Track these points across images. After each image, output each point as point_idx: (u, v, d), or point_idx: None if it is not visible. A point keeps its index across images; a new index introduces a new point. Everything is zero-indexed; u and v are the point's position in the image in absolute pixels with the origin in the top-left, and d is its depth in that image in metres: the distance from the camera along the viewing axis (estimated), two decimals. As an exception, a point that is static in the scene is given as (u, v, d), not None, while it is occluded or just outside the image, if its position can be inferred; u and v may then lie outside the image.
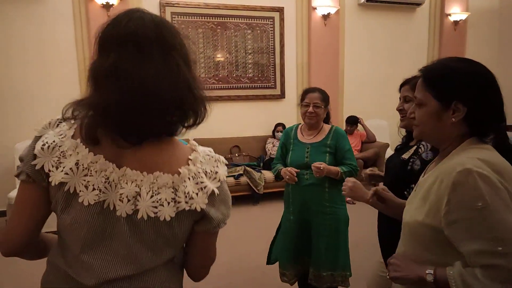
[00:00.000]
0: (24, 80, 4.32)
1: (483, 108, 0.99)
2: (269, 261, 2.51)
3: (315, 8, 5.26)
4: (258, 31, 5.20)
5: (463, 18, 5.88)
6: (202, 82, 0.91)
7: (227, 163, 0.95)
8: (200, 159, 0.88)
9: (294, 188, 2.26)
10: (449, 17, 5.88)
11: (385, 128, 5.74)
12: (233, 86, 5.17)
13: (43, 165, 0.82)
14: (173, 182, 0.84)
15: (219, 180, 0.90)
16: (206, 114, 0.91)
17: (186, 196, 0.84)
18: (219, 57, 5.08)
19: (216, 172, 0.90)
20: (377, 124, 5.65)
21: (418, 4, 5.75)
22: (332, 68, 5.48)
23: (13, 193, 3.78)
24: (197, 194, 0.85)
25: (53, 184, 0.82)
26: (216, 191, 0.88)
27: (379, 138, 5.36)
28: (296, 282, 2.42)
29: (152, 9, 4.69)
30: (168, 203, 0.83)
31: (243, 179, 4.62)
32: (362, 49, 5.71)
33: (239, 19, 5.10)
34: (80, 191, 0.81)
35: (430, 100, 1.03)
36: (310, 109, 2.19)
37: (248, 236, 3.75)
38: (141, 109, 0.79)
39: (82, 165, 0.81)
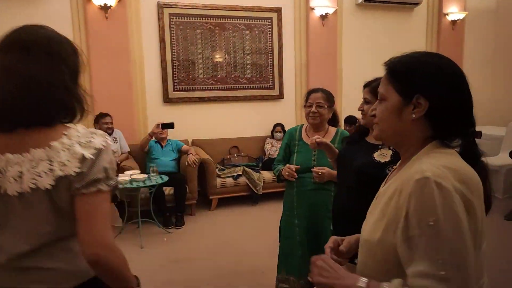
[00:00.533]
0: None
1: (447, 106, 0.90)
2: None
3: (313, 9, 5.26)
4: (256, 32, 5.20)
5: (461, 18, 5.89)
6: (84, 90, 1.06)
7: (107, 139, 1.02)
8: (76, 134, 0.99)
9: (300, 191, 2.18)
10: (446, 16, 5.89)
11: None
12: (231, 87, 5.17)
13: None
14: (47, 155, 0.95)
15: (95, 148, 0.97)
16: (84, 114, 1.04)
17: (60, 165, 0.95)
18: (218, 57, 5.09)
19: (90, 141, 0.98)
20: (376, 124, 5.65)
21: (416, 4, 5.76)
22: (330, 68, 5.49)
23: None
24: (69, 161, 0.95)
25: None
26: (90, 155, 0.96)
27: (377, 137, 5.36)
28: None
29: (150, 10, 4.72)
30: (46, 173, 0.94)
31: (242, 180, 4.62)
32: (360, 49, 5.71)
33: (237, 20, 5.10)
34: None
35: (392, 94, 0.95)
36: (313, 108, 2.15)
37: (247, 236, 3.75)
38: (18, 100, 0.94)
39: None
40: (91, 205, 0.96)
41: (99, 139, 1.00)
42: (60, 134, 0.97)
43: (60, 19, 4.39)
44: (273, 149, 5.04)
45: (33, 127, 0.97)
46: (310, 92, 2.25)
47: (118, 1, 4.43)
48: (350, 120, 5.19)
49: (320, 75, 5.42)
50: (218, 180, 4.55)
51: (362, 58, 5.73)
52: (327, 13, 5.26)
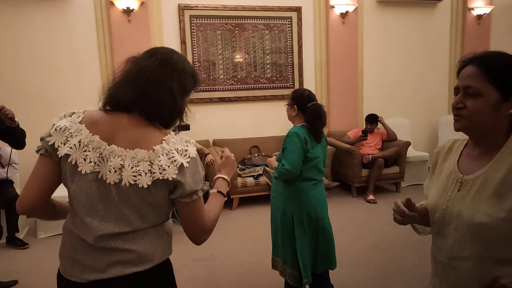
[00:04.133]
0: (52, 83, 4.47)
1: None
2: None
3: (333, 7, 5.23)
4: (276, 31, 5.21)
5: (487, 12, 5.72)
6: (186, 105, 1.22)
7: (198, 146, 1.11)
8: (172, 140, 1.11)
9: None
10: (472, 11, 5.73)
11: (406, 126, 5.65)
12: (251, 86, 5.20)
13: (54, 142, 1.08)
14: (149, 157, 1.07)
15: (189, 156, 1.10)
16: (180, 123, 1.21)
17: (159, 168, 1.06)
18: (238, 58, 5.12)
19: (186, 150, 1.10)
20: (398, 122, 5.57)
21: (439, 0, 5.64)
22: (350, 67, 5.44)
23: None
24: (169, 166, 1.06)
25: (59, 156, 1.08)
26: (186, 164, 1.08)
27: (400, 136, 5.28)
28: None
29: (171, 12, 4.80)
30: (146, 173, 1.06)
31: (262, 179, 4.64)
32: (381, 47, 5.64)
33: (256, 20, 5.12)
34: (80, 162, 1.07)
35: (491, 90, 1.01)
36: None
37: (268, 236, 3.74)
38: (141, 91, 1.12)
39: (83, 143, 1.08)
40: (192, 210, 1.12)
41: (193, 148, 1.12)
42: (160, 139, 1.10)
43: (85, 23, 4.53)
44: (293, 148, 5.03)
45: (141, 120, 1.12)
46: None
47: (140, 5, 4.52)
48: (371, 118, 5.13)
49: (340, 73, 5.38)
50: (239, 179, 4.59)
51: (383, 55, 5.65)
52: (348, 11, 5.21)
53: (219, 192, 1.28)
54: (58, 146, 1.08)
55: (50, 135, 1.10)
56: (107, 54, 4.62)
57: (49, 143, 1.08)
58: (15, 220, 3.58)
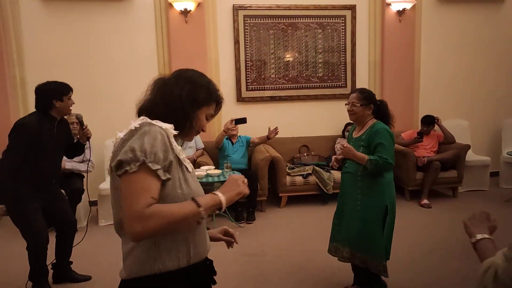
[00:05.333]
0: (111, 84, 4.76)
1: None
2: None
3: (390, 4, 5.08)
4: (329, 30, 5.16)
5: (562, 7, 5.27)
6: (197, 117, 1.24)
7: (155, 124, 1.12)
8: (129, 126, 1.12)
9: (342, 173, 2.67)
10: (544, 6, 5.31)
11: (466, 128, 5.35)
12: (303, 85, 5.19)
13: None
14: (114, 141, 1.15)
15: (130, 129, 1.10)
16: (189, 128, 1.23)
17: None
18: (289, 57, 5.13)
19: (131, 125, 1.12)
20: (457, 124, 5.29)
21: (507, -6, 5.28)
22: (406, 66, 5.25)
23: (104, 185, 4.20)
24: (113, 141, 1.14)
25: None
26: (121, 135, 1.11)
27: (458, 139, 5.01)
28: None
29: (226, 12, 4.91)
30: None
31: (312, 179, 4.62)
32: (440, 46, 5.38)
33: (309, 19, 5.10)
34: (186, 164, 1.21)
35: None
36: (349, 107, 2.48)
37: (317, 235, 3.74)
38: (155, 102, 1.23)
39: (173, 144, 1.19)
40: (123, 186, 1.04)
41: (138, 121, 1.12)
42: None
43: (145, 24, 4.77)
44: (344, 149, 4.96)
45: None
46: (350, 92, 2.63)
47: (197, 6, 4.68)
48: (427, 120, 4.92)
49: (395, 73, 5.21)
50: (288, 178, 4.60)
51: (442, 55, 5.40)
52: (405, 8, 5.04)
53: (193, 199, 1.09)
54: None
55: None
56: (165, 54, 4.83)
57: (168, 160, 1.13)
58: (73, 211, 3.86)
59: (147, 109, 1.20)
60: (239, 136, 4.70)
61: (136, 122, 1.11)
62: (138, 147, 1.03)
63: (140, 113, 1.22)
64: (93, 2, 4.63)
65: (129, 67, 4.78)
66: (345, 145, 2.44)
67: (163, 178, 1.06)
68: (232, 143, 4.64)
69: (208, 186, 3.99)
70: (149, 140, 1.05)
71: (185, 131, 1.21)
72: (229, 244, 1.48)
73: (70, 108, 2.69)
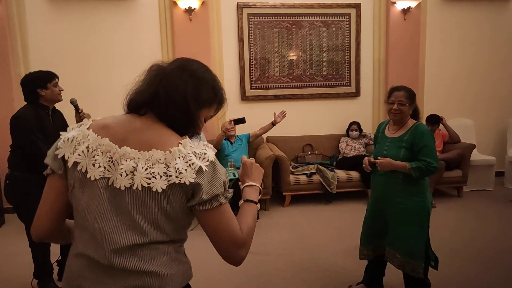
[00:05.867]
0: (115, 81, 4.75)
1: None
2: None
3: (394, 2, 5.05)
4: (334, 29, 5.14)
5: None
6: (200, 119, 1.12)
7: (215, 150, 1.05)
8: (189, 144, 1.01)
9: (375, 176, 2.52)
10: (550, 5, 5.27)
11: (471, 127, 5.32)
12: (307, 84, 5.18)
13: (64, 154, 1.03)
14: (165, 159, 0.97)
15: (208, 160, 1.00)
16: (191, 133, 1.10)
17: (176, 171, 0.96)
18: (294, 55, 5.12)
19: (205, 153, 1.00)
20: (462, 124, 5.26)
21: (513, -8, 5.24)
22: (411, 65, 5.23)
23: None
24: (186, 170, 0.96)
25: (69, 165, 1.01)
26: (205, 168, 0.98)
27: (464, 138, 4.99)
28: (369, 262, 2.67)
29: (230, 11, 4.90)
30: (161, 176, 0.96)
31: (316, 178, 4.62)
32: (445, 44, 5.35)
33: (314, 17, 5.09)
34: (89, 169, 0.99)
35: None
36: (395, 106, 2.35)
37: (321, 234, 3.75)
38: (161, 95, 1.05)
39: (92, 148, 1.01)
40: (216, 220, 1.00)
41: (211, 152, 1.02)
42: (176, 142, 1.00)
43: (149, 23, 4.77)
44: (348, 148, 4.94)
45: (156, 122, 1.04)
46: (393, 90, 2.43)
47: (201, 4, 4.67)
48: (432, 119, 4.89)
49: (400, 71, 5.19)
50: (292, 177, 4.60)
51: (447, 54, 5.37)
52: (410, 6, 5.01)
53: (248, 200, 1.12)
54: (68, 157, 1.01)
55: (58, 148, 1.04)
56: (169, 52, 4.83)
57: (58, 156, 1.03)
58: None
59: (145, 103, 1.05)
60: (237, 135, 4.70)
61: (209, 151, 1.02)
62: (226, 179, 1.03)
63: (133, 106, 1.07)
64: (98, 0, 4.63)
65: (133, 65, 4.78)
66: (381, 160, 2.34)
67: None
68: (231, 143, 4.64)
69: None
70: (223, 170, 1.05)
71: (188, 132, 1.09)
72: None
73: (59, 94, 2.67)
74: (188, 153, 0.98)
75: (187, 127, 1.07)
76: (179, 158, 0.97)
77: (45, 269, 2.73)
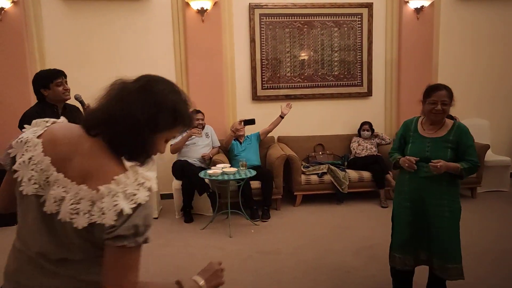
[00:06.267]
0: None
1: None
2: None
3: (407, 2, 5.01)
4: (345, 29, 5.12)
5: None
6: (158, 149, 1.07)
7: (154, 189, 1.00)
8: (124, 180, 0.96)
9: (413, 177, 2.34)
10: None
11: (486, 128, 5.25)
12: (318, 84, 5.18)
13: (15, 155, 1.02)
14: (91, 197, 0.95)
15: (135, 202, 0.95)
16: (144, 159, 1.04)
17: (99, 211, 0.94)
18: (305, 55, 5.12)
19: (135, 195, 0.96)
20: (477, 124, 5.18)
21: (529, -9, 5.15)
22: (424, 65, 5.18)
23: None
24: (109, 210, 0.93)
25: (11, 169, 1.02)
26: (128, 210, 0.94)
27: (478, 138, 4.87)
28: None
29: (242, 12, 4.93)
30: (84, 213, 0.94)
31: (327, 178, 4.60)
32: (459, 44, 5.29)
33: (326, 17, 5.08)
34: (23, 182, 0.99)
35: None
36: (438, 107, 2.25)
37: (332, 234, 3.74)
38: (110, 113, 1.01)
39: (34, 160, 0.99)
40: (114, 256, 0.95)
41: (144, 193, 0.97)
42: (110, 178, 0.96)
43: (162, 23, 4.82)
44: (359, 148, 4.92)
45: (104, 148, 1.00)
46: (433, 89, 2.32)
47: (213, 5, 4.71)
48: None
49: (413, 71, 5.15)
50: (303, 177, 4.60)
51: (461, 53, 5.31)
52: (423, 5, 4.97)
53: (178, 283, 1.06)
54: (16, 160, 1.02)
55: (12, 147, 1.04)
56: (182, 52, 4.87)
57: (11, 155, 1.03)
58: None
59: (99, 123, 1.00)
60: (246, 135, 4.72)
61: (142, 192, 0.97)
62: (142, 224, 0.95)
63: (87, 126, 1.01)
64: (112, 1, 4.71)
65: (146, 65, 4.84)
66: (440, 164, 2.17)
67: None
68: (240, 143, 4.66)
69: (223, 184, 4.03)
70: (149, 212, 0.98)
71: (139, 158, 1.04)
72: None
73: (63, 93, 2.62)
74: (117, 193, 0.94)
75: (139, 153, 1.03)
76: (108, 196, 0.94)
77: None
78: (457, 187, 2.34)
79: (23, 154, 1.00)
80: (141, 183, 0.98)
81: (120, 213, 0.93)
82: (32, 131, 1.04)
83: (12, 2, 4.37)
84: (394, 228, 2.49)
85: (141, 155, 1.03)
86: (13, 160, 1.02)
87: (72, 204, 0.95)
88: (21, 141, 1.03)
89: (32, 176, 0.98)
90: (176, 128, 1.06)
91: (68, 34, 4.70)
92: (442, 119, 2.31)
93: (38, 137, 1.02)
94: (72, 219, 0.95)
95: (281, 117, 4.66)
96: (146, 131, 1.00)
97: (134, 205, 0.94)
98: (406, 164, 2.30)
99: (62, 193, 0.96)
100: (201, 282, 1.10)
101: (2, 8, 4.34)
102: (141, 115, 0.98)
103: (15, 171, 1.00)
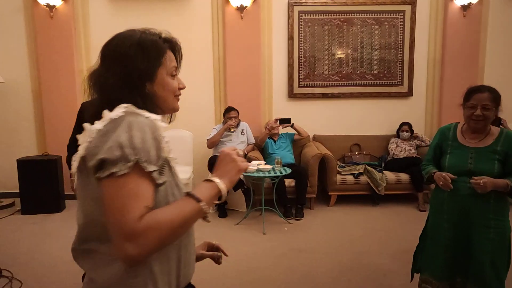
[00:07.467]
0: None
1: None
2: (414, 270, 2.38)
3: (454, -1, 4.82)
4: (387, 26, 5.00)
5: None
6: (152, 92, 0.95)
7: (143, 114, 0.87)
8: (108, 114, 0.86)
9: (452, 195, 2.03)
10: None
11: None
12: (356, 83, 5.08)
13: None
14: (83, 136, 0.87)
15: (110, 118, 0.83)
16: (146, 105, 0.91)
17: (81, 144, 0.86)
18: (344, 53, 5.04)
19: (108, 114, 0.85)
20: (524, 128, 4.92)
21: None
22: (469, 65, 4.96)
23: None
24: (84, 138, 0.85)
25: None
26: (100, 126, 0.83)
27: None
28: None
29: (281, 9, 4.92)
30: (76, 156, 0.87)
31: (363, 178, 4.52)
32: (509, 44, 5.02)
33: (366, 15, 4.98)
34: None
35: None
36: (478, 111, 1.95)
37: (368, 236, 3.68)
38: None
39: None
40: (108, 192, 0.79)
41: (120, 110, 0.84)
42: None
43: (202, 20, 4.90)
44: (398, 149, 4.79)
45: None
46: (473, 91, 2.01)
47: (253, 2, 4.73)
48: (492, 122, 4.61)
49: (457, 71, 4.95)
50: (338, 176, 4.54)
51: (510, 54, 5.03)
52: (470, 2, 4.76)
53: (189, 194, 0.88)
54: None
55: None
56: (220, 49, 4.93)
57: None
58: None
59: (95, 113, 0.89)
60: (281, 133, 4.72)
61: (117, 110, 0.84)
62: (127, 143, 0.79)
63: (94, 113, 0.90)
64: (154, 0, 4.84)
65: (185, 62, 4.81)
66: (484, 180, 1.87)
67: (159, 181, 0.83)
68: (274, 141, 4.66)
69: (258, 181, 4.05)
70: (139, 133, 0.81)
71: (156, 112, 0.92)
72: (217, 260, 1.22)
73: None
74: (98, 122, 0.85)
75: (151, 109, 0.91)
76: (89, 130, 0.85)
77: None
78: (506, 204, 2.01)
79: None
80: (126, 106, 0.86)
81: (96, 133, 0.82)
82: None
83: (62, 0, 4.59)
84: (426, 248, 2.22)
85: (154, 108, 0.92)
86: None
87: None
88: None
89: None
90: (162, 60, 0.96)
91: (113, 31, 4.78)
92: (483, 126, 1.98)
93: None
94: (73, 167, 0.88)
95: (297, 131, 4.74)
96: (138, 84, 0.91)
97: (107, 122, 0.83)
98: (441, 182, 2.00)
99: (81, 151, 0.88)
100: (216, 178, 0.91)
101: (54, 6, 4.56)
102: (113, 76, 0.90)
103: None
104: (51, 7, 4.55)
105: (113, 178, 0.78)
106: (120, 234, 0.76)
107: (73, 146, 2.38)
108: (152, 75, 0.94)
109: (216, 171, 0.95)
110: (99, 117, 0.86)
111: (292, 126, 4.67)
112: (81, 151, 0.85)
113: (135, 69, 0.91)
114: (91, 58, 4.83)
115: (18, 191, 4.40)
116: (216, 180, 0.91)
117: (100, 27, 4.83)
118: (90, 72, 0.96)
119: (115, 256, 0.81)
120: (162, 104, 0.97)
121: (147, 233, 0.76)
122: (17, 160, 4.40)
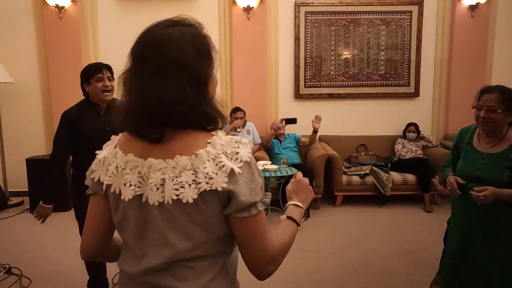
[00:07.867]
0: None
1: None
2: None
3: (461, -1, 4.81)
4: (393, 27, 4.99)
5: None
6: (215, 98, 0.95)
7: (250, 148, 0.92)
8: (219, 142, 0.88)
9: (460, 200, 1.96)
10: None
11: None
12: (363, 83, 5.08)
13: (99, 177, 0.96)
14: (192, 164, 0.86)
15: (241, 161, 0.88)
16: (218, 122, 0.92)
17: (205, 177, 0.85)
18: (350, 54, 5.04)
19: (237, 153, 0.88)
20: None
21: None
22: (477, 66, 4.94)
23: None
24: (216, 174, 0.85)
25: (104, 187, 0.96)
26: (237, 170, 0.86)
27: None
28: None
29: (287, 9, 4.93)
30: (190, 185, 0.85)
31: (369, 179, 4.52)
32: (517, 43, 5.00)
33: (373, 15, 4.97)
34: (122, 189, 0.91)
35: None
36: (482, 113, 1.85)
37: (374, 237, 3.68)
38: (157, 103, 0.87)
39: (120, 167, 0.92)
40: (252, 229, 0.90)
41: (245, 150, 0.90)
42: (204, 143, 0.88)
43: (209, 20, 4.91)
44: (404, 150, 4.78)
45: (177, 129, 0.89)
46: (482, 92, 1.91)
47: (260, 2, 4.75)
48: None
49: (464, 72, 4.93)
50: (344, 177, 4.54)
51: (519, 53, 5.01)
52: (478, 2, 4.74)
53: (289, 218, 1.04)
54: (103, 179, 0.95)
55: (93, 171, 0.98)
56: (226, 50, 4.96)
57: (94, 180, 0.97)
58: None
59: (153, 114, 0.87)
60: (287, 134, 4.72)
61: (243, 150, 0.89)
62: (261, 182, 0.92)
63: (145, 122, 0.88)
64: (162, 0, 4.86)
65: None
66: (484, 193, 1.76)
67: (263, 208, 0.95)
68: (280, 142, 4.67)
69: (265, 181, 4.06)
70: (259, 172, 0.93)
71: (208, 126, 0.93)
72: None
73: (102, 92, 2.23)
74: (218, 154, 0.87)
75: (204, 118, 0.90)
76: (208, 160, 0.86)
77: (100, 283, 2.56)
78: None
79: (107, 170, 0.95)
80: (239, 140, 0.91)
81: (232, 174, 0.86)
82: (107, 149, 0.99)
83: (71, 1, 4.64)
84: (444, 250, 2.17)
85: (209, 117, 0.91)
86: (99, 183, 0.97)
87: (173, 180, 0.86)
88: (99, 160, 0.98)
89: (126, 179, 0.91)
90: (211, 62, 0.95)
91: (121, 31, 4.91)
92: (491, 129, 1.86)
93: (114, 147, 0.97)
94: (178, 196, 0.86)
95: (315, 132, 4.54)
96: (201, 89, 0.90)
97: (240, 164, 0.88)
98: (449, 187, 1.93)
99: (161, 176, 0.87)
100: (302, 204, 1.09)
101: (63, 7, 4.61)
102: (190, 85, 0.88)
103: (109, 185, 0.94)
104: (60, 8, 4.60)
105: (257, 215, 0.90)
106: (264, 258, 0.91)
107: (63, 155, 2.24)
108: (210, 76, 0.95)
109: (298, 197, 1.11)
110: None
111: (315, 132, 4.51)
112: (220, 185, 0.86)
113: (201, 73, 0.91)
114: (99, 58, 4.88)
115: (27, 190, 4.46)
116: (303, 206, 1.10)
117: (109, 28, 4.88)
118: (145, 83, 0.89)
119: (252, 272, 0.95)
120: (216, 105, 0.95)
121: (280, 254, 0.94)
122: (26, 159, 4.46)
